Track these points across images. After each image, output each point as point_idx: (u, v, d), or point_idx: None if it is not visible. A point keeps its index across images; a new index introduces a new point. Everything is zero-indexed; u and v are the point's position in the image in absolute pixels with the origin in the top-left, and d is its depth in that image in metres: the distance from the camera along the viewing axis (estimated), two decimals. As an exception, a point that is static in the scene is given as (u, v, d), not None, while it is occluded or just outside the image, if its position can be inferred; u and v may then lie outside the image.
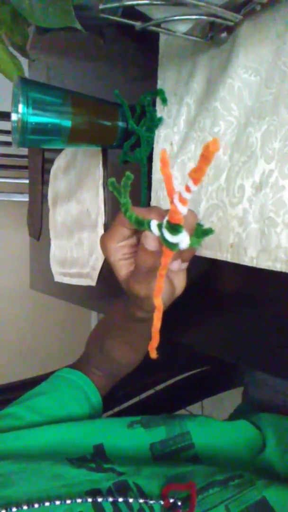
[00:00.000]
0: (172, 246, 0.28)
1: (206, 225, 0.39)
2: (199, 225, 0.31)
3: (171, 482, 0.39)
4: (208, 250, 0.40)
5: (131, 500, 0.36)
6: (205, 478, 0.40)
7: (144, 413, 0.51)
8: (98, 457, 0.44)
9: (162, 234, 0.28)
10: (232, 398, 0.84)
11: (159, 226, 0.28)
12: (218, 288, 0.43)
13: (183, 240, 0.28)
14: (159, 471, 0.41)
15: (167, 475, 0.40)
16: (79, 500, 0.35)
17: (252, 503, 0.38)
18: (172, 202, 0.26)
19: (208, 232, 0.28)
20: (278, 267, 0.33)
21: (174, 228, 0.27)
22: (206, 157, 0.22)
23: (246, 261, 0.35)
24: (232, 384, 0.85)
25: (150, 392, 0.85)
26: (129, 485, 0.38)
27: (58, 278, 0.87)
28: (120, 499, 0.36)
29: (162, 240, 0.28)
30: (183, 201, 0.26)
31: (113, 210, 0.64)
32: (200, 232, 0.28)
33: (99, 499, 0.35)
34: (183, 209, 0.26)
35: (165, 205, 0.47)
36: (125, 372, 0.55)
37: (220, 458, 0.48)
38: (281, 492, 0.39)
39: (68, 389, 0.52)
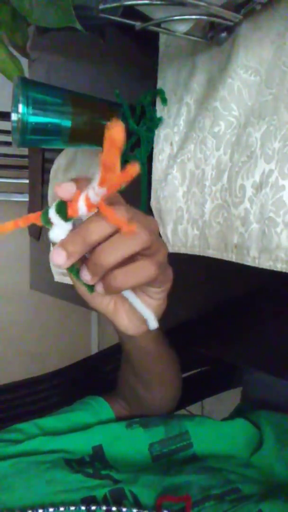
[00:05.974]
0: (46, 220, 0.27)
1: (213, 227, 0.39)
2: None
3: (167, 492, 0.39)
4: (215, 250, 0.40)
5: (124, 510, 0.35)
6: (201, 491, 0.40)
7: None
8: (96, 460, 0.43)
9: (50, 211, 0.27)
10: (232, 398, 0.84)
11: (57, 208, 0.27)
12: (218, 288, 0.43)
13: (55, 227, 0.27)
14: (156, 480, 0.41)
15: (164, 485, 0.40)
16: (72, 508, 0.34)
17: None
18: (76, 199, 0.25)
19: None
20: (279, 267, 0.33)
21: (62, 212, 0.26)
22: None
23: (249, 261, 0.35)
24: (232, 384, 0.85)
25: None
26: (125, 493, 0.38)
27: (58, 278, 0.87)
28: (114, 508, 0.35)
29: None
30: (89, 204, 0.25)
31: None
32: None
33: (93, 507, 0.35)
34: (82, 209, 0.25)
35: (165, 205, 0.47)
36: (147, 409, 0.52)
37: (219, 458, 0.48)
38: (277, 505, 0.39)
39: (81, 412, 0.50)
